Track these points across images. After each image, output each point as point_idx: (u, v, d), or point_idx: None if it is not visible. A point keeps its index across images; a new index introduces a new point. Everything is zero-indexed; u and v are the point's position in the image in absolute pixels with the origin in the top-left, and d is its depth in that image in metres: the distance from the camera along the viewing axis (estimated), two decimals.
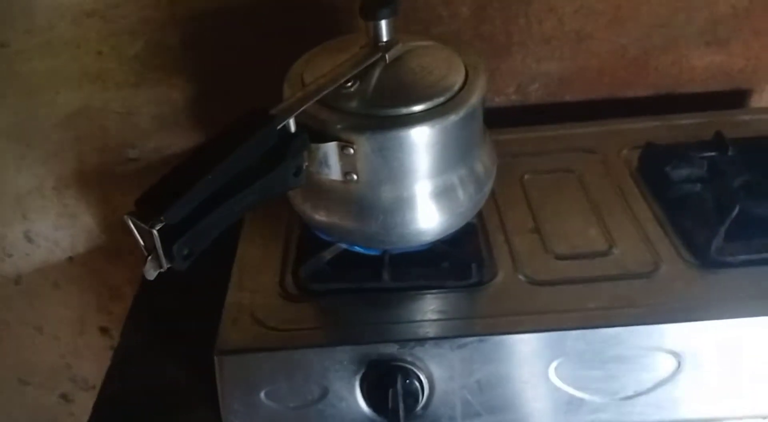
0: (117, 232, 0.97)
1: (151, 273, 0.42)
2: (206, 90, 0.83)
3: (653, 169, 0.68)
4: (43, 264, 1.00)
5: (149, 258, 0.42)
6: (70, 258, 1.00)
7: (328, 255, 0.60)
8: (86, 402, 1.20)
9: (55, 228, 0.96)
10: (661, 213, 0.64)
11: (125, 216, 0.41)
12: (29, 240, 0.98)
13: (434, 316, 0.55)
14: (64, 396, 1.22)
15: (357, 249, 0.59)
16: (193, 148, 0.43)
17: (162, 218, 0.40)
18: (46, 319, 1.08)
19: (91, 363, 1.15)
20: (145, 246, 0.42)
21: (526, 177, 0.70)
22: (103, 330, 1.10)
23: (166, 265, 0.42)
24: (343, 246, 0.60)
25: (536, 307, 0.55)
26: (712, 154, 0.68)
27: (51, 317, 1.08)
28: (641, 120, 0.77)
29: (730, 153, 0.68)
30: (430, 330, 0.54)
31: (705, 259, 0.58)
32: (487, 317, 0.55)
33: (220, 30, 0.79)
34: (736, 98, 0.85)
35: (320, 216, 0.56)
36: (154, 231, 0.40)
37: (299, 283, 0.59)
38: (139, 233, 0.41)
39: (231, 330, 0.55)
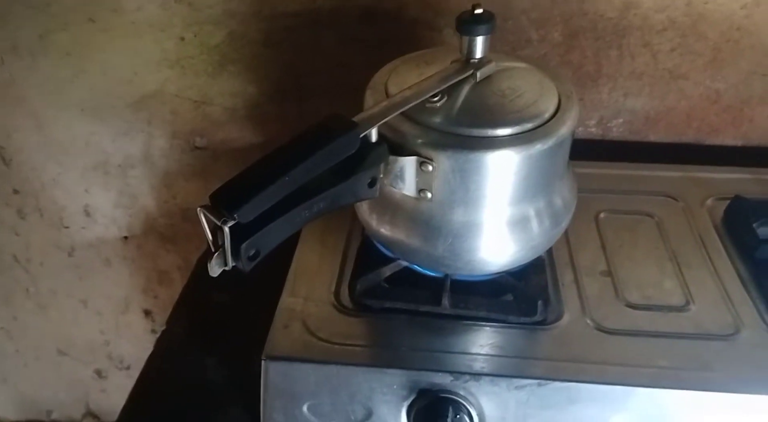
0: (175, 218, 0.97)
1: (215, 270, 0.41)
2: (282, 88, 0.83)
3: (740, 223, 0.64)
4: (97, 240, 1.01)
5: (215, 254, 0.40)
6: (125, 238, 1.00)
7: (387, 271, 0.58)
8: (119, 380, 1.22)
9: (115, 206, 0.97)
10: (746, 274, 0.59)
11: (198, 209, 0.40)
12: (87, 214, 0.99)
13: (493, 351, 0.52)
14: (99, 372, 1.23)
15: (418, 269, 0.57)
16: (274, 147, 0.42)
17: (235, 216, 0.38)
18: (93, 294, 1.10)
19: (130, 343, 1.16)
20: (212, 242, 0.40)
21: (602, 215, 0.66)
22: (147, 313, 1.11)
23: (231, 264, 0.41)
24: (404, 263, 0.58)
25: (602, 357, 0.52)
26: None
27: (97, 293, 1.09)
28: (729, 170, 0.73)
29: None
30: (487, 366, 0.51)
31: None
32: (549, 360, 0.52)
33: (303, 31, 0.79)
34: None
35: (385, 231, 0.54)
36: (226, 229, 0.38)
37: (354, 297, 0.57)
38: (209, 227, 0.40)
39: (281, 336, 0.53)
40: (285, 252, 0.63)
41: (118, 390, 1.23)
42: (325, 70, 0.81)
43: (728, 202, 0.67)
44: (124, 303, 1.10)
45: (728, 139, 0.80)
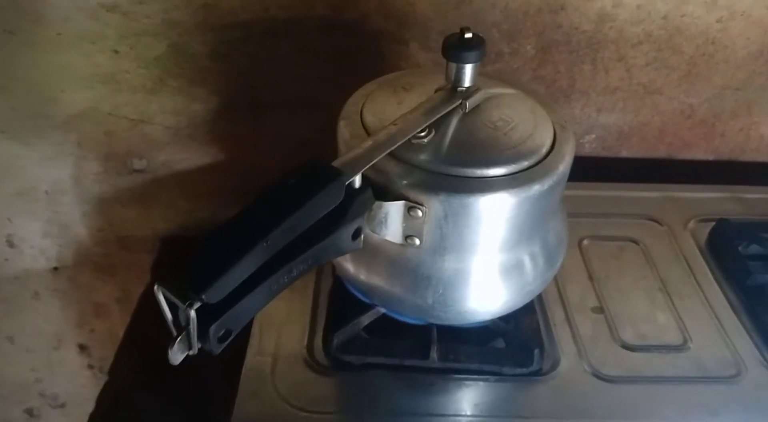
0: (111, 247, 0.88)
1: (178, 357, 0.34)
2: (232, 104, 0.75)
3: (725, 248, 0.62)
4: (24, 272, 0.91)
5: (177, 339, 0.33)
6: (55, 269, 0.91)
7: (365, 319, 0.52)
8: (53, 419, 1.12)
9: (43, 236, 0.87)
10: (738, 304, 0.57)
11: (156, 287, 0.33)
12: (11, 245, 0.88)
13: (489, 411, 0.47)
14: (29, 412, 1.12)
15: (401, 317, 0.51)
16: (242, 208, 0.35)
17: (203, 297, 0.32)
18: (21, 330, 0.99)
19: (64, 380, 1.06)
20: (173, 323, 0.33)
21: (585, 242, 0.63)
22: (82, 348, 1.01)
23: (197, 348, 0.34)
24: (383, 310, 0.52)
25: (606, 410, 0.48)
26: None
27: (26, 328, 0.99)
28: (706, 189, 0.71)
29: None
30: None
31: None
32: (552, 418, 0.47)
33: (255, 43, 0.72)
34: None
35: (365, 278, 0.48)
36: (192, 312, 0.32)
37: (331, 352, 0.51)
38: (169, 307, 0.33)
39: (250, 406, 0.47)
40: None
41: None
42: (280, 83, 0.74)
43: (711, 223, 0.64)
44: (56, 339, 1.00)
45: (700, 153, 0.78)
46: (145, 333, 0.70)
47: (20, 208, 0.84)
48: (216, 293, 0.32)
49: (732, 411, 0.48)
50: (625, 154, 0.78)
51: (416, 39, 0.70)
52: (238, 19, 0.70)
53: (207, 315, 0.33)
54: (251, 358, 0.50)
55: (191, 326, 0.32)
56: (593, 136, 0.76)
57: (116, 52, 0.72)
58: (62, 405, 1.10)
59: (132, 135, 0.78)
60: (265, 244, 0.34)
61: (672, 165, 0.78)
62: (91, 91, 0.74)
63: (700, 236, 0.64)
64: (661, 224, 0.65)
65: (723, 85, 0.72)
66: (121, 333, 0.71)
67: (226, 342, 0.35)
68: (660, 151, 0.78)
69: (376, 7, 0.67)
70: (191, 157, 0.80)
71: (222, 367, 0.49)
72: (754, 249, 0.61)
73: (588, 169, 0.75)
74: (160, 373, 0.63)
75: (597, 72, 0.71)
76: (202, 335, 0.34)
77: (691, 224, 0.66)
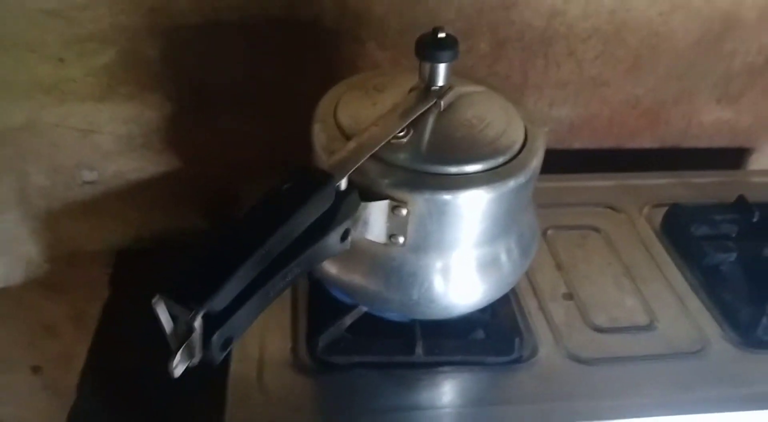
0: (60, 264, 0.85)
1: (179, 369, 0.33)
2: (186, 109, 0.73)
3: (680, 232, 0.65)
4: None
5: (179, 351, 0.33)
6: (2, 290, 0.86)
7: (348, 320, 0.52)
8: None
9: None
10: (697, 283, 0.60)
11: (155, 299, 0.32)
12: None
13: (475, 400, 0.48)
14: None
15: (386, 316, 0.52)
16: (238, 217, 0.35)
17: (207, 305, 0.31)
18: None
19: (17, 404, 1.00)
20: (174, 335, 0.33)
21: (549, 232, 0.65)
22: (35, 369, 0.96)
23: (199, 358, 0.33)
24: (365, 309, 0.53)
25: (587, 391, 0.50)
26: (736, 215, 0.66)
27: None
28: (657, 176, 0.74)
29: (755, 219, 0.65)
30: (476, 419, 0.47)
31: (752, 339, 0.55)
32: (536, 403, 0.49)
33: (207, 45, 0.70)
34: (736, 156, 0.84)
35: (347, 278, 0.48)
36: (197, 321, 0.31)
37: (317, 355, 0.50)
38: (168, 319, 0.32)
39: (241, 413, 0.46)
40: None
41: None
42: (236, 86, 0.73)
43: (664, 208, 0.68)
44: (5, 362, 0.95)
45: (646, 142, 0.81)
46: (111, 350, 0.68)
47: None
48: (220, 301, 0.32)
49: (704, 383, 0.51)
50: (577, 145, 0.81)
51: (373, 38, 0.70)
52: (188, 21, 0.68)
53: (207, 325, 0.33)
54: (236, 366, 0.49)
55: (196, 336, 0.32)
56: (546, 129, 0.79)
57: (61, 59, 0.69)
58: None
59: (81, 146, 0.75)
60: (263, 252, 0.33)
61: (621, 154, 0.82)
62: (33, 101, 0.71)
63: (656, 221, 0.67)
64: (618, 211, 0.68)
65: (666, 74, 0.76)
66: (79, 352, 0.69)
67: (227, 351, 0.34)
68: (609, 141, 0.81)
69: (331, 6, 0.67)
70: (145, 166, 0.78)
71: (199, 381, 0.48)
72: (706, 230, 0.64)
73: (543, 162, 0.78)
74: (131, 390, 0.61)
75: (549, 66, 0.74)
76: (205, 345, 0.33)
77: (646, 210, 0.69)
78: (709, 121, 0.80)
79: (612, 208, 0.68)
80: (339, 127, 0.47)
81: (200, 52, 0.71)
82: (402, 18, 0.69)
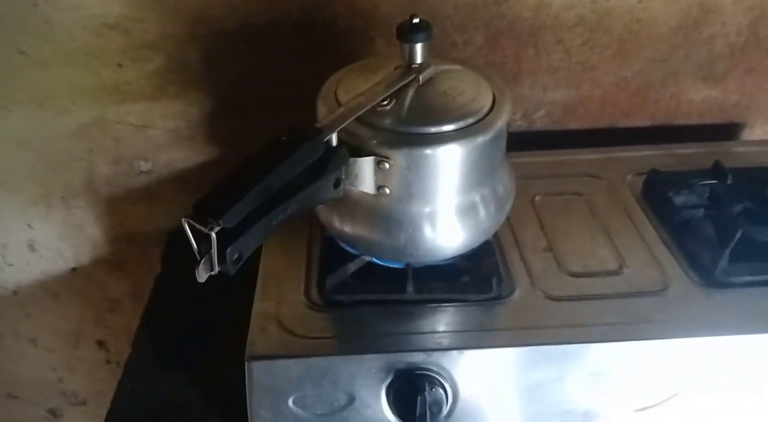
0: (122, 243, 0.97)
1: (203, 276, 0.44)
2: (224, 106, 0.85)
3: (657, 194, 0.71)
4: (44, 274, 1.00)
5: (202, 261, 0.43)
6: (74, 270, 0.99)
7: (352, 267, 0.62)
8: (74, 417, 1.19)
9: (60, 239, 0.96)
10: (668, 237, 0.67)
11: (183, 219, 0.42)
12: (32, 249, 0.97)
13: (457, 328, 0.57)
14: (52, 412, 1.20)
15: (381, 262, 0.61)
16: (245, 158, 0.45)
17: (220, 222, 0.41)
18: (42, 331, 1.07)
19: (84, 377, 1.14)
20: (198, 250, 0.43)
21: (537, 198, 0.73)
22: (100, 344, 1.09)
23: (217, 268, 0.44)
24: (367, 258, 0.62)
25: (555, 321, 0.57)
26: (712, 181, 0.72)
27: (47, 329, 1.07)
28: (643, 148, 0.81)
29: (729, 181, 0.71)
30: (454, 341, 0.56)
31: (711, 280, 0.61)
32: (508, 330, 0.57)
33: (240, 48, 0.82)
34: (730, 131, 0.89)
35: (348, 229, 0.58)
36: (213, 234, 0.41)
37: (324, 294, 0.60)
38: (194, 236, 0.43)
39: (260, 338, 0.56)
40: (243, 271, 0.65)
41: None
42: (266, 84, 0.84)
43: (646, 176, 0.74)
44: (75, 337, 1.08)
45: (638, 120, 0.88)
46: (159, 316, 0.79)
47: (38, 214, 0.93)
48: (230, 219, 0.42)
49: (661, 316, 0.58)
50: (572, 126, 0.88)
51: (381, 35, 0.80)
52: (223, 27, 0.80)
53: (223, 241, 0.43)
54: (258, 303, 0.59)
55: (213, 247, 0.42)
56: (543, 111, 0.87)
57: (120, 65, 0.82)
58: (83, 403, 1.18)
59: (137, 139, 0.88)
60: (263, 184, 0.44)
61: (615, 132, 0.89)
62: (99, 101, 0.84)
63: (637, 187, 0.74)
64: (601, 179, 0.75)
65: (650, 58, 0.83)
66: (134, 327, 0.80)
67: (240, 264, 0.45)
68: (603, 121, 0.88)
69: (344, 9, 0.78)
70: (190, 157, 0.90)
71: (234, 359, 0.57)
72: (681, 192, 0.70)
73: (541, 142, 0.87)
74: (176, 360, 0.71)
75: (540, 55, 0.82)
76: (221, 258, 0.43)
77: (629, 178, 0.76)
78: (698, 99, 0.87)
79: (597, 176, 0.76)
80: (337, 101, 0.57)
81: (234, 55, 0.82)
82: (406, 17, 0.79)
